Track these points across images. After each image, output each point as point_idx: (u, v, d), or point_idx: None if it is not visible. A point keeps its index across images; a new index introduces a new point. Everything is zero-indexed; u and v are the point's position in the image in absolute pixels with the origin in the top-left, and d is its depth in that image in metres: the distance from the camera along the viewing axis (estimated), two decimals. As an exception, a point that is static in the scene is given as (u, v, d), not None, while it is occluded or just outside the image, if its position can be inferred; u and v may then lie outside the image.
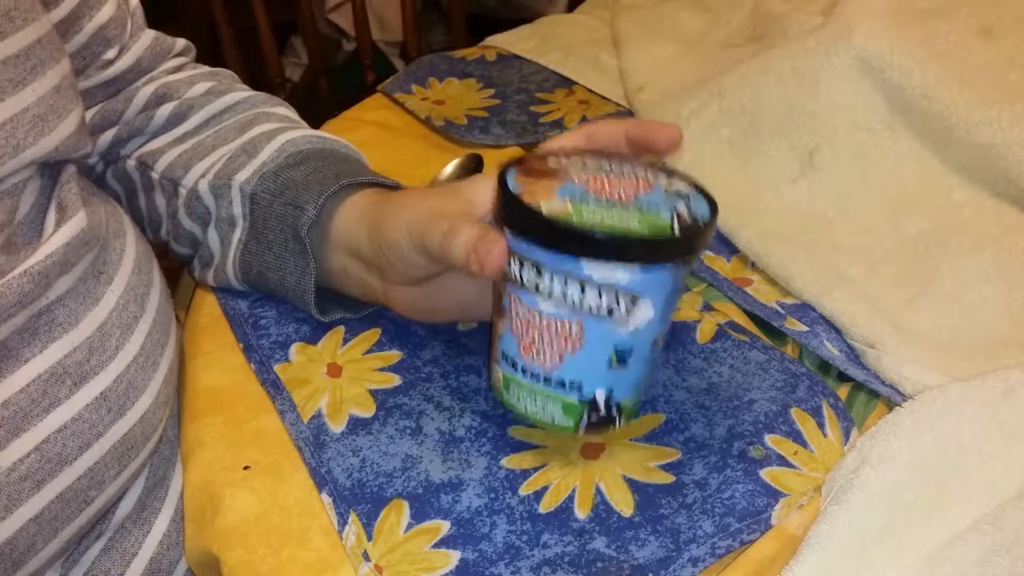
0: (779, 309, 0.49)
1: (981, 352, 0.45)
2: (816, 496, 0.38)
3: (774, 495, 0.38)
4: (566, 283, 0.35)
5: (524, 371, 0.38)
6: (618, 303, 0.35)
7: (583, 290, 0.35)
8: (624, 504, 0.38)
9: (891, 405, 0.41)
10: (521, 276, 0.36)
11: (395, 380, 0.46)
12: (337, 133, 0.54)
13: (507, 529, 0.38)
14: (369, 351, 0.48)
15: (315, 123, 0.58)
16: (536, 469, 0.40)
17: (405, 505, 0.39)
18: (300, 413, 0.44)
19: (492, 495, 0.39)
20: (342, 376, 0.46)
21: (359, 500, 0.39)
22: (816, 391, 0.43)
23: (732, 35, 0.74)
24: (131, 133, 0.54)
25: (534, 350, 0.37)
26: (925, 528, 0.35)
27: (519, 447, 0.42)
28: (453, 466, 0.41)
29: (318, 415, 0.44)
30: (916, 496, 0.36)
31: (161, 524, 0.46)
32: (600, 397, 0.38)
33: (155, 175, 0.53)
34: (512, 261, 0.36)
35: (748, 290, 0.51)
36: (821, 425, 0.41)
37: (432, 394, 0.45)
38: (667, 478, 0.40)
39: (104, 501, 0.42)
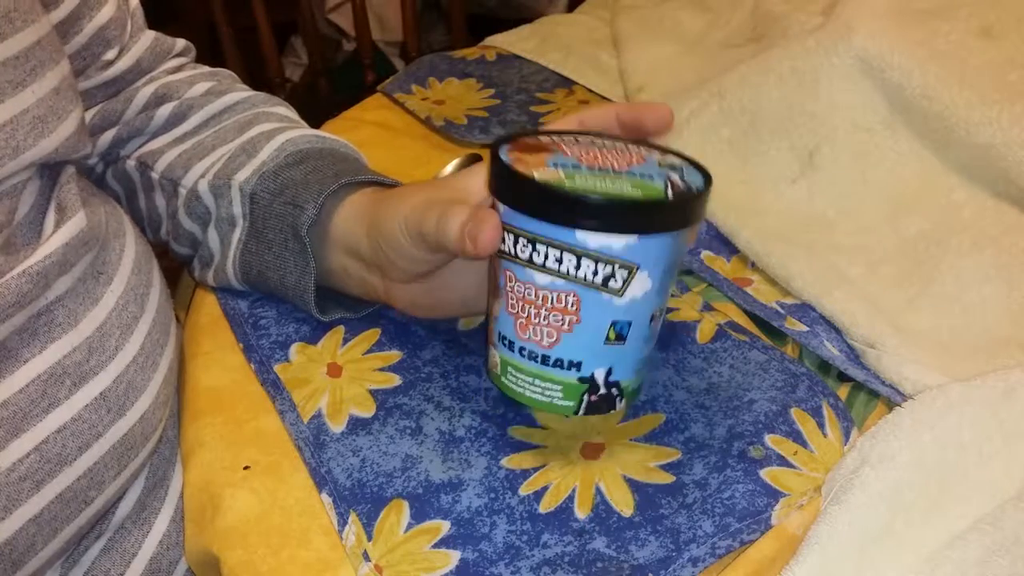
0: (779, 309, 0.49)
1: (981, 352, 0.45)
2: (816, 496, 0.38)
3: (774, 495, 0.38)
4: (561, 254, 0.35)
5: (522, 351, 0.38)
6: (614, 273, 0.35)
7: (579, 261, 0.35)
8: (624, 504, 0.38)
9: (891, 405, 0.41)
10: (516, 250, 0.36)
11: (395, 380, 0.46)
12: (337, 133, 0.54)
13: (507, 529, 0.38)
14: (369, 351, 0.48)
15: (315, 123, 0.58)
16: (536, 469, 0.40)
17: (405, 505, 0.39)
18: (300, 413, 0.44)
19: (492, 495, 0.39)
20: (342, 376, 0.46)
21: (359, 500, 0.39)
22: (816, 391, 0.43)
23: (732, 35, 0.74)
24: (131, 133, 0.54)
25: (531, 328, 0.37)
26: (925, 528, 0.35)
27: (519, 447, 0.42)
28: (453, 466, 0.41)
29: (318, 415, 0.44)
30: (916, 496, 0.36)
31: (161, 524, 0.46)
32: (599, 376, 0.38)
33: (155, 175, 0.53)
34: (506, 236, 0.36)
35: (748, 290, 0.51)
36: (821, 425, 0.41)
37: (432, 394, 0.45)
38: (667, 478, 0.40)
39: (104, 501, 0.42)
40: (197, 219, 0.51)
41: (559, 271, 0.35)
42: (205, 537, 0.40)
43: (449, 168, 0.61)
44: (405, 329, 0.49)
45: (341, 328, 0.49)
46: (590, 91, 0.74)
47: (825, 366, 0.46)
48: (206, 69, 0.59)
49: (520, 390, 0.39)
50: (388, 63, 1.76)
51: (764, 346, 0.46)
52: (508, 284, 0.37)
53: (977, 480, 0.37)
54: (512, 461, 0.41)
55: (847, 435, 0.41)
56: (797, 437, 0.41)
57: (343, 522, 0.38)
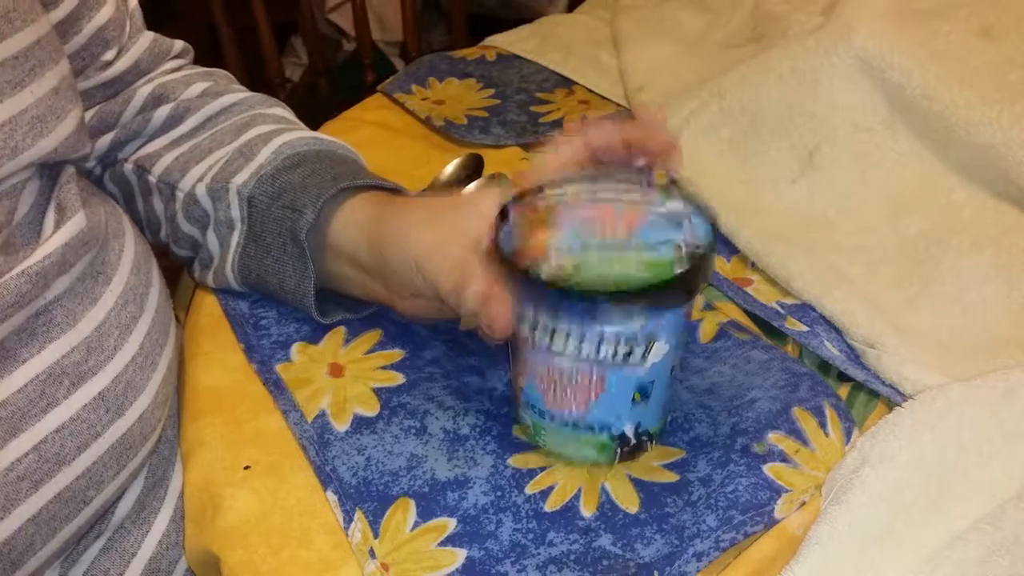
0: (779, 309, 0.49)
1: (981, 352, 0.45)
2: (817, 495, 0.38)
3: (776, 490, 0.38)
4: (580, 340, 0.35)
5: (552, 418, 0.39)
6: (633, 350, 0.36)
7: (598, 345, 0.35)
8: (629, 502, 0.38)
9: (891, 405, 0.41)
10: (534, 336, 0.36)
11: (399, 378, 0.46)
12: (337, 133, 0.54)
13: (513, 527, 0.38)
14: (371, 350, 0.48)
15: (315, 123, 0.58)
16: (542, 469, 0.41)
17: (411, 503, 0.39)
18: (303, 413, 0.44)
19: (498, 493, 0.39)
20: (345, 375, 0.46)
21: (365, 498, 0.39)
22: (818, 391, 0.43)
23: (732, 35, 0.74)
24: (128, 136, 0.54)
25: (558, 400, 0.38)
26: (925, 528, 0.35)
27: (525, 447, 0.42)
28: (459, 464, 0.41)
29: (322, 415, 0.44)
30: (916, 496, 0.36)
31: (160, 524, 0.46)
32: (629, 431, 0.39)
33: (152, 179, 0.53)
34: (524, 320, 0.36)
35: (748, 290, 0.51)
36: (823, 425, 0.41)
37: (435, 393, 0.45)
38: (672, 477, 0.40)
39: (103, 501, 0.42)
40: (196, 223, 0.51)
41: (579, 355, 0.36)
42: (205, 537, 0.40)
43: (449, 168, 0.61)
44: (406, 329, 0.49)
45: (342, 328, 0.49)
46: (590, 91, 0.74)
47: (825, 366, 0.46)
48: (202, 69, 0.58)
49: (556, 451, 0.40)
50: (388, 63, 1.76)
51: (766, 345, 0.46)
52: (530, 363, 0.38)
53: (977, 480, 0.37)
54: (518, 460, 0.41)
55: (848, 435, 0.41)
56: (799, 436, 0.41)
57: (349, 519, 0.38)
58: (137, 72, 0.55)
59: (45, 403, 0.38)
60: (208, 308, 0.53)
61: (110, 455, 0.41)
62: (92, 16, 0.50)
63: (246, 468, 0.42)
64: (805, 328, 0.47)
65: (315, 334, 0.49)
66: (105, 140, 0.54)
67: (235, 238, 0.49)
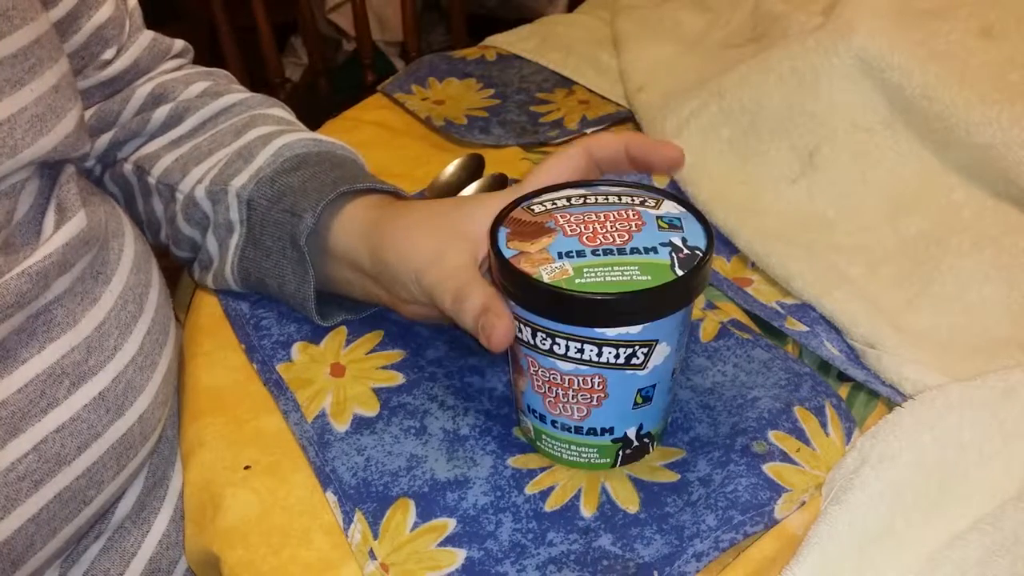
0: (779, 309, 0.49)
1: (981, 352, 0.45)
2: (817, 495, 0.38)
3: (777, 490, 0.38)
4: (582, 345, 0.35)
5: (554, 423, 0.39)
6: (635, 353, 0.36)
7: (600, 349, 0.35)
8: (629, 502, 0.39)
9: (891, 405, 0.41)
10: (535, 341, 0.36)
11: (399, 378, 0.46)
12: (337, 133, 0.54)
13: (513, 527, 0.38)
14: (372, 351, 0.48)
15: (315, 123, 0.58)
16: (542, 469, 0.41)
17: (411, 504, 0.39)
18: (304, 413, 0.44)
19: (498, 493, 0.39)
20: (345, 375, 0.46)
21: (364, 499, 0.39)
22: (819, 391, 0.43)
23: (732, 35, 0.74)
24: (127, 136, 0.54)
25: (560, 405, 0.38)
26: (925, 528, 0.35)
27: (525, 447, 0.42)
28: (459, 464, 0.41)
29: (322, 415, 0.44)
30: (916, 496, 0.36)
31: (160, 524, 0.46)
32: (631, 433, 0.39)
33: (152, 180, 0.53)
34: (523, 327, 0.37)
35: (748, 290, 0.51)
36: (824, 424, 0.41)
37: (436, 393, 0.45)
38: (672, 476, 0.40)
39: (103, 501, 0.42)
40: (196, 224, 0.51)
41: (581, 359, 0.36)
42: (206, 537, 0.40)
43: (450, 168, 0.61)
44: (408, 329, 0.49)
45: (343, 328, 0.49)
46: (590, 91, 0.74)
47: (825, 366, 0.46)
48: (202, 69, 0.58)
49: (557, 454, 0.40)
50: (388, 63, 1.76)
51: (767, 344, 0.46)
52: (531, 368, 0.38)
53: (977, 480, 0.37)
54: (518, 461, 0.41)
55: (849, 435, 0.41)
56: (800, 435, 0.41)
57: (348, 520, 0.38)
58: (136, 71, 0.55)
59: (45, 403, 0.38)
60: (208, 308, 0.53)
61: (110, 455, 0.41)
62: (92, 15, 0.50)
63: (246, 468, 0.42)
64: (805, 328, 0.47)
65: (316, 334, 0.49)
66: (104, 140, 0.54)
67: (234, 240, 0.49)
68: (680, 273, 0.34)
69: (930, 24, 0.58)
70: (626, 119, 0.70)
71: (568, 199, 0.39)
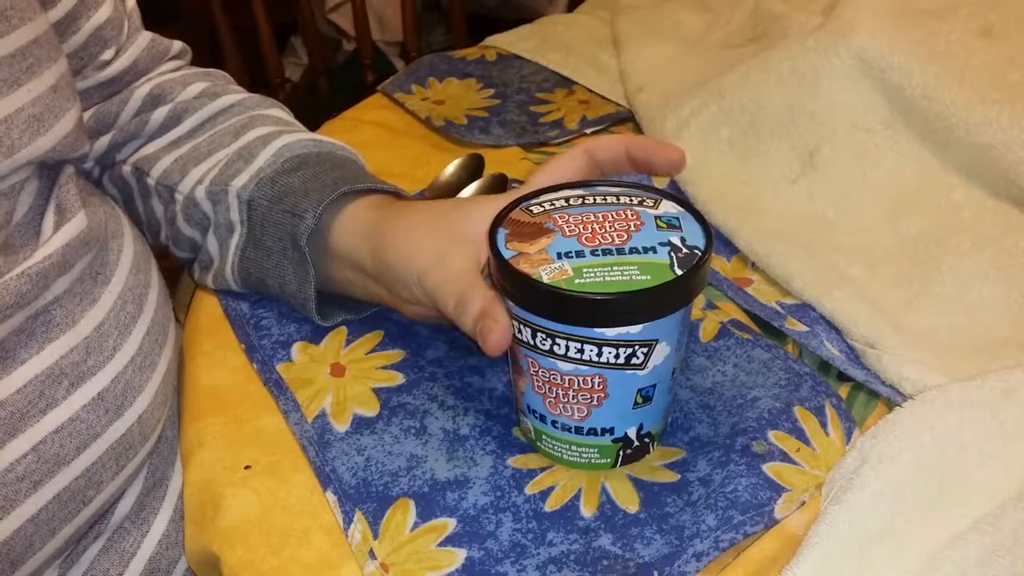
0: (779, 309, 0.49)
1: (981, 352, 0.45)
2: (817, 494, 0.38)
3: (776, 490, 0.38)
4: (582, 345, 0.35)
5: (554, 424, 0.39)
6: (635, 352, 0.36)
7: (600, 349, 0.35)
8: (629, 502, 0.39)
9: (891, 405, 0.41)
10: (535, 342, 0.36)
11: (399, 378, 0.46)
12: (337, 133, 0.54)
13: (513, 527, 0.38)
14: (372, 351, 0.48)
15: (315, 123, 0.58)
16: (542, 469, 0.41)
17: (411, 503, 0.39)
18: (304, 413, 0.44)
19: (498, 493, 0.39)
20: (345, 375, 0.46)
21: (364, 499, 0.39)
22: (819, 391, 0.43)
23: (732, 35, 0.74)
24: (126, 137, 0.54)
25: (560, 405, 0.38)
26: (925, 528, 0.35)
27: (525, 447, 0.42)
28: (459, 464, 0.41)
29: (322, 415, 0.44)
30: (916, 496, 0.36)
31: (160, 524, 0.46)
32: (632, 433, 0.39)
33: (151, 181, 0.53)
34: (523, 328, 0.37)
35: (748, 290, 0.51)
36: (824, 424, 0.41)
37: (436, 393, 0.45)
38: (672, 476, 0.40)
39: (102, 501, 0.42)
40: (196, 225, 0.51)
41: (581, 359, 0.36)
42: (205, 537, 0.40)
43: (450, 168, 0.61)
44: (408, 329, 0.49)
45: (343, 328, 0.49)
46: (590, 91, 0.74)
47: (825, 366, 0.46)
48: (200, 70, 0.58)
49: (557, 454, 0.40)
50: (388, 63, 1.76)
51: (768, 344, 0.46)
52: (531, 369, 0.38)
53: (977, 480, 0.36)
54: (518, 461, 0.41)
55: (849, 436, 0.41)
56: (800, 435, 0.41)
57: (348, 520, 0.38)
58: (135, 72, 0.55)
59: (44, 404, 0.38)
60: (208, 308, 0.53)
61: (109, 455, 0.41)
62: (90, 15, 0.50)
63: (246, 468, 0.42)
64: (805, 328, 0.47)
65: (316, 334, 0.49)
66: (103, 141, 0.54)
67: (235, 241, 0.49)
68: (679, 272, 0.34)
69: (930, 24, 0.58)
70: (626, 119, 0.70)
71: (567, 200, 0.39)
